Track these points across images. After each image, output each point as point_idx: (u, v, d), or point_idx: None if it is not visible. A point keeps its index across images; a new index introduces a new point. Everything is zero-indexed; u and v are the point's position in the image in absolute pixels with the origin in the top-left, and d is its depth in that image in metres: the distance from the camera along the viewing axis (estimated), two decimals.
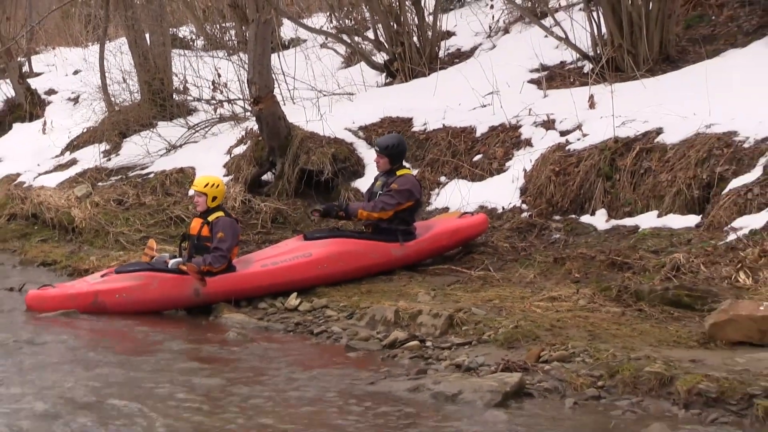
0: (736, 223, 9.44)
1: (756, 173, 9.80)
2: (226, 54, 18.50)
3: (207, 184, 10.25)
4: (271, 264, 10.27)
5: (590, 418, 6.38)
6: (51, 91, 22.49)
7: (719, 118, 10.65)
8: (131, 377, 7.42)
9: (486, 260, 10.47)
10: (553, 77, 13.93)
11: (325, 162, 13.25)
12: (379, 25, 16.22)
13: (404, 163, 11.03)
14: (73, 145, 18.54)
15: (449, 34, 17.16)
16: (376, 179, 11.02)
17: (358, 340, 8.60)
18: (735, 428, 6.01)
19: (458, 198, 12.11)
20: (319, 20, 19.67)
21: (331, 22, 19.00)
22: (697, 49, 12.95)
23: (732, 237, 9.22)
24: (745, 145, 10.20)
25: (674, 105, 11.15)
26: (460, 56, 16.51)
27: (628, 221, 10.63)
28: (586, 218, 11.03)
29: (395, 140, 10.99)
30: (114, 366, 7.79)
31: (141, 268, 10.13)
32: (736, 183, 9.88)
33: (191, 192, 10.57)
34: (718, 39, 13.12)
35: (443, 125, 13.40)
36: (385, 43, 16.17)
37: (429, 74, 15.32)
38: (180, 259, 10.17)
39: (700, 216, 10.10)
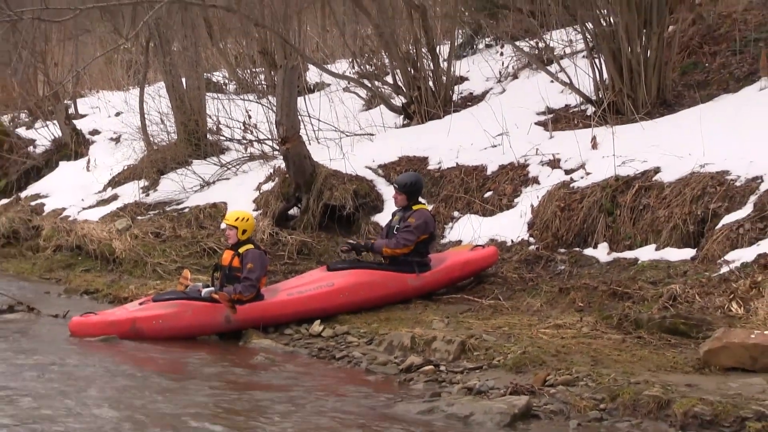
0: (728, 257, 9.42)
1: (747, 210, 9.79)
2: (256, 97, 18.51)
3: (238, 218, 10.31)
4: (296, 293, 10.31)
5: None
6: (95, 132, 22.54)
7: (713, 158, 10.64)
8: (166, 398, 7.44)
9: (496, 290, 10.49)
10: (558, 119, 13.92)
11: (347, 198, 13.27)
12: (398, 71, 16.25)
13: (420, 200, 11.06)
14: (115, 182, 18.60)
15: (462, 79, 17.18)
16: (393, 214, 11.08)
17: (377, 364, 8.62)
18: None
19: (470, 232, 12.13)
20: (342, 66, 19.74)
21: (353, 67, 19.06)
22: (692, 93, 12.94)
23: (725, 269, 9.21)
24: (737, 184, 10.19)
25: (671, 146, 11.15)
26: (472, 99, 16.53)
27: (628, 254, 10.61)
28: (589, 251, 11.01)
29: (413, 178, 11.05)
30: (150, 388, 7.82)
31: (176, 297, 10.16)
32: (728, 219, 9.86)
33: (223, 225, 10.61)
34: (712, 84, 13.11)
35: (456, 164, 13.42)
36: (403, 87, 16.19)
37: (443, 116, 15.32)
38: (212, 288, 10.20)
39: (695, 249, 10.08)
